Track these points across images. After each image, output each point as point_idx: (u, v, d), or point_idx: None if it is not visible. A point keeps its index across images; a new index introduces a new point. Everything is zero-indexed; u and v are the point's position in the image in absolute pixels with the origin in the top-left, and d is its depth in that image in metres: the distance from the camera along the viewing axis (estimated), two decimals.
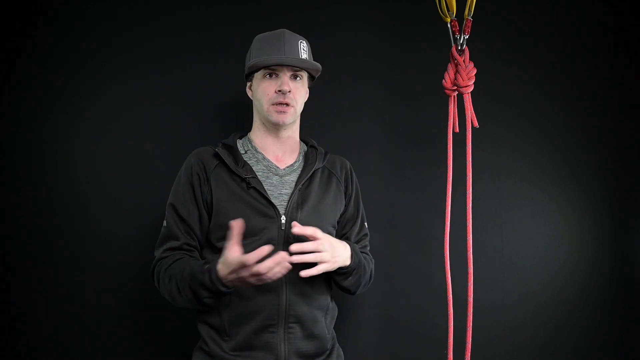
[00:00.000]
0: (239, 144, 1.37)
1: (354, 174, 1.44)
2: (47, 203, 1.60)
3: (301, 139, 1.44)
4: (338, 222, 1.39)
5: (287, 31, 1.34)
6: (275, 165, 1.33)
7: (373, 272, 1.41)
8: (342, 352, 1.38)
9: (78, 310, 1.59)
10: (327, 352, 1.31)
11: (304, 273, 1.15)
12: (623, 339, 1.73)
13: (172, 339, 1.62)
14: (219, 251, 1.20)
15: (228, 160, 1.28)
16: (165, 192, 1.54)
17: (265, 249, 1.07)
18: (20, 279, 1.58)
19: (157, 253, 1.28)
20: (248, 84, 1.39)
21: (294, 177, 1.33)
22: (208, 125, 1.67)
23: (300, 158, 1.38)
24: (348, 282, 1.30)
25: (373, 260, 1.43)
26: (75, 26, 1.64)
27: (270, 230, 1.24)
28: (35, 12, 1.62)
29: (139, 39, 1.66)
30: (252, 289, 1.20)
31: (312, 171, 1.33)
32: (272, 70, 1.30)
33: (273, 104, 1.29)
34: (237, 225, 1.09)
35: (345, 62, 1.74)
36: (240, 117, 1.68)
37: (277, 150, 1.36)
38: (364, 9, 1.75)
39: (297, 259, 1.13)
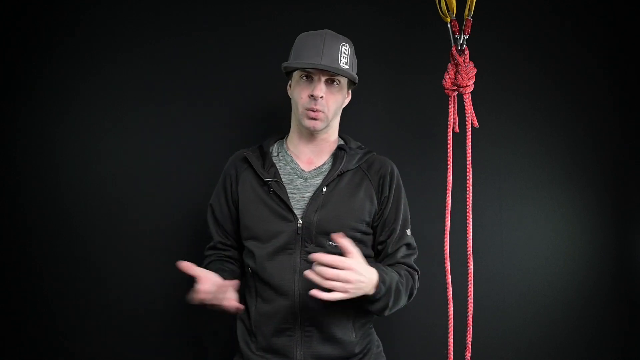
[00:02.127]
0: (275, 146, 1.38)
1: (395, 177, 1.35)
2: (48, 203, 1.60)
3: (340, 136, 1.40)
4: (376, 227, 1.32)
5: (329, 33, 1.29)
6: (301, 168, 1.32)
7: (414, 289, 1.30)
8: (384, 359, 1.34)
9: (79, 312, 1.59)
10: (356, 356, 1.26)
11: (313, 292, 1.06)
12: (623, 339, 1.73)
13: (175, 341, 1.62)
14: (243, 254, 1.33)
15: (255, 163, 1.31)
16: (168, 193, 1.55)
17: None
18: (21, 280, 1.58)
19: (207, 249, 1.39)
20: (290, 82, 1.35)
21: (319, 180, 1.30)
22: (211, 126, 1.67)
23: (330, 159, 1.34)
24: (374, 307, 1.20)
25: (417, 273, 1.33)
26: (79, 25, 1.64)
27: (287, 234, 1.24)
28: (37, 11, 1.62)
29: (141, 38, 1.66)
30: (271, 292, 1.23)
31: (337, 173, 1.28)
32: (307, 73, 1.26)
33: (306, 109, 1.26)
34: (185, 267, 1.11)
35: None
36: (244, 116, 1.68)
37: (309, 152, 1.34)
38: (364, 9, 1.75)
39: (315, 278, 1.06)
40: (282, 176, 1.30)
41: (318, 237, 1.24)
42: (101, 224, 1.61)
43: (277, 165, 1.32)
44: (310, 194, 1.28)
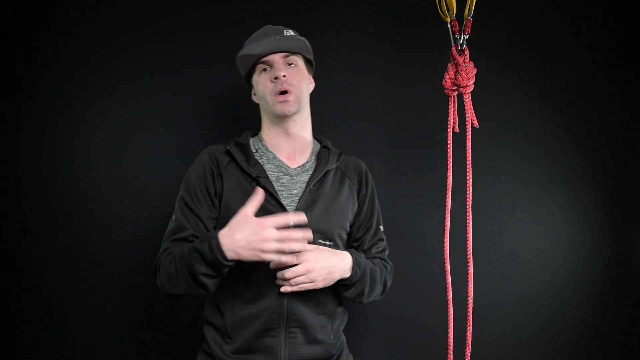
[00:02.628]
0: (251, 142, 1.35)
1: (369, 175, 1.40)
2: (48, 203, 1.60)
3: (315, 138, 1.41)
4: (352, 225, 1.36)
5: (269, 25, 1.33)
6: (286, 165, 1.31)
7: (388, 280, 1.36)
8: (352, 358, 1.35)
9: (79, 312, 1.59)
10: (332, 357, 1.28)
11: (284, 289, 1.15)
12: (623, 339, 1.73)
13: (175, 342, 1.62)
14: None
15: (239, 158, 1.26)
16: (168, 193, 1.54)
17: (290, 217, 1.08)
18: (21, 280, 1.58)
19: (163, 246, 1.23)
20: (252, 90, 1.37)
21: (305, 177, 1.30)
22: (211, 126, 1.67)
23: (313, 158, 1.35)
24: (350, 293, 1.26)
25: (390, 266, 1.39)
26: (79, 25, 1.64)
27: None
28: (37, 10, 1.62)
29: (141, 38, 1.66)
30: (253, 292, 1.19)
31: (324, 172, 1.30)
32: (263, 64, 1.29)
33: (275, 95, 1.27)
34: (260, 193, 1.10)
35: (346, 62, 1.74)
36: (243, 117, 1.68)
37: (289, 148, 1.33)
38: (364, 9, 1.75)
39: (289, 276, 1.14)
40: (267, 172, 1.27)
41: None
42: (101, 224, 1.61)
43: (259, 161, 1.29)
44: (298, 192, 1.27)
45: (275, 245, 1.07)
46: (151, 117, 1.65)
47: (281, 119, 1.30)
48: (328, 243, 1.26)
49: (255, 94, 1.36)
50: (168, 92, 1.66)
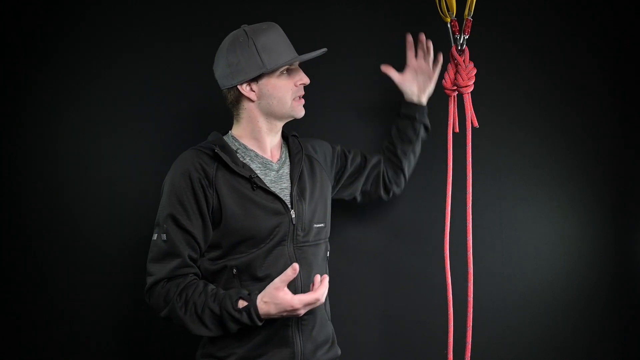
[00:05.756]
0: (228, 142, 1.32)
1: (323, 142, 1.49)
2: (48, 203, 1.60)
3: None
4: (355, 174, 1.50)
5: (278, 26, 1.35)
6: (270, 160, 1.33)
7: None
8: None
9: (80, 312, 1.59)
10: (332, 338, 1.36)
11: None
12: (623, 339, 1.73)
13: (175, 342, 1.62)
14: (225, 256, 1.23)
15: (228, 160, 1.23)
16: None
17: (320, 281, 1.18)
18: (22, 280, 1.58)
19: (159, 271, 1.20)
20: (247, 86, 1.28)
21: (286, 169, 1.34)
22: (214, 127, 1.67)
23: (284, 148, 1.40)
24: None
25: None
26: (79, 25, 1.64)
27: (283, 227, 1.25)
28: (38, 10, 1.62)
29: (143, 39, 1.66)
30: None
31: (302, 161, 1.35)
32: (289, 67, 1.31)
33: (295, 99, 1.31)
34: (294, 269, 1.14)
35: (345, 62, 1.74)
36: None
37: (271, 145, 1.36)
38: (363, 9, 1.75)
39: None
40: (255, 171, 1.29)
41: (306, 223, 1.30)
42: (102, 224, 1.61)
43: (244, 161, 1.30)
44: (286, 184, 1.32)
45: (303, 312, 1.17)
46: (152, 117, 1.65)
47: (286, 119, 1.35)
48: (321, 225, 1.35)
49: (254, 91, 1.28)
50: (169, 93, 1.66)
